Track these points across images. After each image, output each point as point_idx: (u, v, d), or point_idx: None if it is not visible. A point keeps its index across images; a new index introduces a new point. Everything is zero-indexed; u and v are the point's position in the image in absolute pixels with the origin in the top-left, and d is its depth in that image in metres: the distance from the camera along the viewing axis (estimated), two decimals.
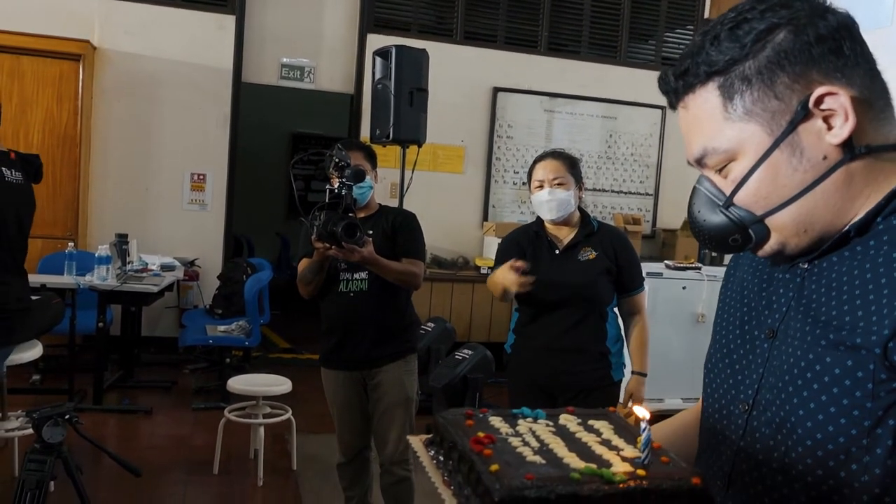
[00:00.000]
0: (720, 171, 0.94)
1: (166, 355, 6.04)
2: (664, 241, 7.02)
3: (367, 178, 2.77)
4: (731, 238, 0.94)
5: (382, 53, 4.31)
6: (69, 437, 2.56)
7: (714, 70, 0.90)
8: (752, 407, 0.96)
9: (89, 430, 3.02)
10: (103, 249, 4.87)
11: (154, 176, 6.10)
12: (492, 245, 6.45)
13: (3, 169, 2.78)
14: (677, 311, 4.97)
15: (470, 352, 4.41)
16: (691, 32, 7.14)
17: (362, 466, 3.03)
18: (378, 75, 4.33)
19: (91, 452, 3.59)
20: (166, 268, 5.43)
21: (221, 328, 5.23)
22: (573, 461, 0.80)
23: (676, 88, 0.95)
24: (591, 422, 0.94)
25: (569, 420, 0.94)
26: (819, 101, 0.87)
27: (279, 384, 4.04)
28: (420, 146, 4.25)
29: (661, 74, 0.97)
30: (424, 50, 4.36)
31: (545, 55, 6.84)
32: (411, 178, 3.99)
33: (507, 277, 2.61)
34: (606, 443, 0.87)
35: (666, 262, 5.38)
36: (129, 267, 5.07)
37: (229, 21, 6.12)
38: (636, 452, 0.82)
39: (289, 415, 4.05)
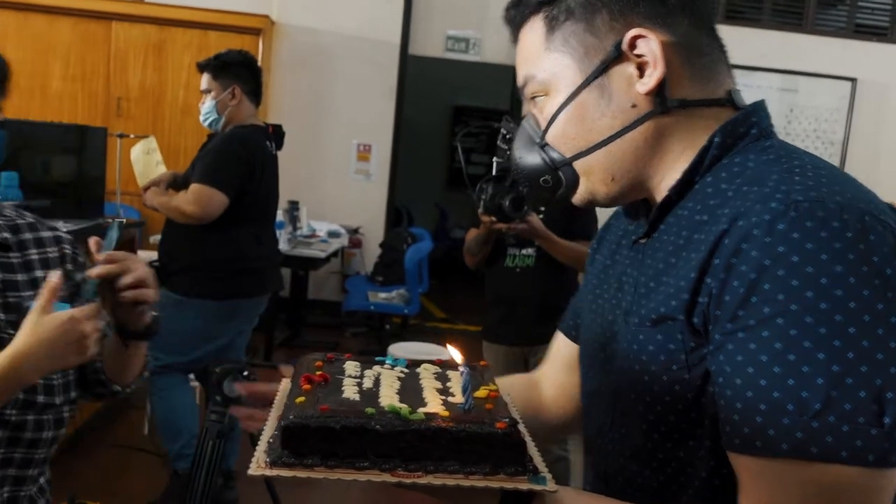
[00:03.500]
0: (535, 100, 0.89)
1: (330, 318, 6.31)
2: None
3: None
4: (542, 179, 0.89)
5: None
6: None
7: (543, 0, 0.87)
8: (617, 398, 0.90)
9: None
10: (278, 215, 5.12)
11: (324, 145, 6.34)
12: None
13: (267, 143, 3.01)
14: None
15: None
16: None
17: None
18: None
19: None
20: (332, 234, 5.65)
21: (382, 295, 5.39)
22: (388, 400, 0.75)
23: (514, 19, 0.91)
24: (448, 372, 0.88)
25: (427, 369, 0.89)
26: (632, 44, 0.82)
27: (438, 353, 4.10)
28: None
29: (505, 6, 0.93)
30: None
31: (721, 23, 6.41)
32: None
33: None
34: (445, 391, 0.81)
35: None
36: (298, 232, 5.32)
37: None
38: None
39: None
